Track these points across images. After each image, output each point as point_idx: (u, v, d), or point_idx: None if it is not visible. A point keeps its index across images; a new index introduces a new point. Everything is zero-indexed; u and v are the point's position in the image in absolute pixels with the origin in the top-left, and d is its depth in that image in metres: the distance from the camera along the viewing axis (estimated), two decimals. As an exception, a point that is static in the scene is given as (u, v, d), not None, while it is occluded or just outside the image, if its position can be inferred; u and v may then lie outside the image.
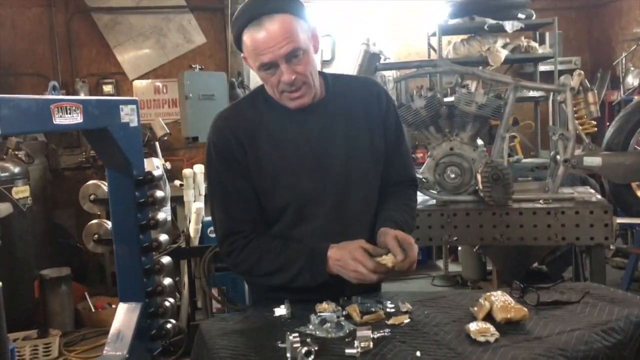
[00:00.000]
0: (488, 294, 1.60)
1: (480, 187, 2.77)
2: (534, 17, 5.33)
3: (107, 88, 6.13)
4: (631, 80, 5.78)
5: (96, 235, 3.09)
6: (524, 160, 5.65)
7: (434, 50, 5.57)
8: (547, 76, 5.90)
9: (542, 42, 5.81)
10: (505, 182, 2.73)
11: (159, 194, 3.00)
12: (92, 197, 3.10)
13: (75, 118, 2.48)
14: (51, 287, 4.60)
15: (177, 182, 5.02)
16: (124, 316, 2.97)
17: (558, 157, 2.94)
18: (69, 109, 2.45)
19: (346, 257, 1.60)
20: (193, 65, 5.47)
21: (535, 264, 4.77)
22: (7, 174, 4.33)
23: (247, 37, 1.60)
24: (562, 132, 2.81)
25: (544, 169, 5.52)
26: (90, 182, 3.17)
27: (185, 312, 4.19)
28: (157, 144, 4.54)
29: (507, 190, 2.74)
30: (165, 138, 5.41)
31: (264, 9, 1.58)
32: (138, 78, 6.27)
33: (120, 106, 2.88)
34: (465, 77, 4.32)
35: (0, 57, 6.01)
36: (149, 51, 6.28)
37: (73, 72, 6.16)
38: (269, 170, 1.71)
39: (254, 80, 6.46)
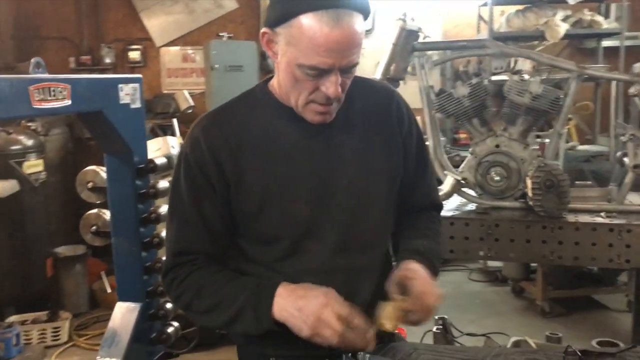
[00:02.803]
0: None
1: (530, 194, 2.34)
2: (600, -13, 4.76)
3: (134, 54, 5.83)
4: None
5: (94, 227, 2.81)
6: (580, 147, 5.12)
7: (485, 22, 5.05)
8: (611, 52, 5.31)
9: (606, 15, 5.21)
10: (560, 190, 2.30)
11: (162, 184, 2.70)
12: (90, 184, 2.81)
13: (61, 100, 2.17)
14: (65, 266, 4.40)
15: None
16: (121, 317, 2.71)
17: (625, 159, 2.48)
18: (54, 91, 2.13)
19: (309, 312, 1.22)
20: (221, 34, 5.10)
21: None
22: (18, 147, 4.08)
23: (310, 23, 1.20)
24: (634, 132, 2.35)
25: (601, 158, 5.00)
26: (89, 168, 2.87)
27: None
28: (174, 120, 4.22)
29: (562, 199, 2.31)
30: (190, 111, 5.09)
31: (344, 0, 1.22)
32: (166, 45, 5.94)
33: (120, 85, 2.56)
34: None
35: (25, 20, 5.76)
36: (178, 16, 5.92)
37: (99, 36, 5.86)
38: (256, 193, 1.36)
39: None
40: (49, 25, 5.82)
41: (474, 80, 2.50)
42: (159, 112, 5.57)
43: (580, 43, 5.87)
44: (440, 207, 1.64)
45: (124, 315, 2.67)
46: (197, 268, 1.39)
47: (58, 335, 3.92)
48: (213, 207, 1.37)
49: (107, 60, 5.77)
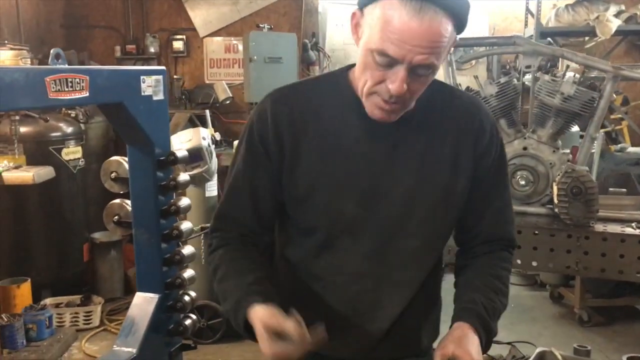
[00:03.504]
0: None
1: (556, 201, 2.22)
2: (658, -19, 4.49)
3: (177, 44, 5.88)
4: None
5: (117, 217, 2.85)
6: (630, 149, 4.86)
7: (533, 16, 4.85)
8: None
9: (666, 11, 4.92)
10: (588, 197, 2.17)
11: (182, 178, 2.70)
12: (113, 174, 2.85)
13: (79, 92, 2.19)
14: (100, 251, 4.50)
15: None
16: (139, 307, 2.74)
17: (664, 167, 2.32)
18: (71, 82, 2.15)
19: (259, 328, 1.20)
20: (260, 25, 5.08)
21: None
22: (58, 133, 4.19)
23: (392, 8, 1.15)
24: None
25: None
26: (113, 158, 2.91)
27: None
28: (207, 112, 4.23)
29: (590, 208, 2.19)
30: (228, 102, 5.11)
31: None
32: (209, 35, 5.97)
33: (142, 77, 2.56)
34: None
35: (74, 9, 5.90)
36: (221, 7, 5.93)
37: (144, 26, 5.95)
38: (307, 179, 1.32)
39: (330, 42, 5.99)
40: (96, 14, 5.94)
41: (503, 79, 2.39)
42: (199, 102, 5.62)
43: (638, 39, 5.58)
44: (513, 242, 1.48)
45: (142, 305, 2.70)
46: (225, 244, 1.39)
47: (90, 319, 4.01)
48: (265, 179, 1.35)
49: (152, 50, 5.85)
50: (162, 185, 2.62)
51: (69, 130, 4.27)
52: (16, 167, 3.50)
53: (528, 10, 5.02)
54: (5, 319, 3.47)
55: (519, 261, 2.29)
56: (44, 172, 3.55)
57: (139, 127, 2.52)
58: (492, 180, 1.39)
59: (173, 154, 2.63)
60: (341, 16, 5.90)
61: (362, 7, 1.21)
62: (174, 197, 2.68)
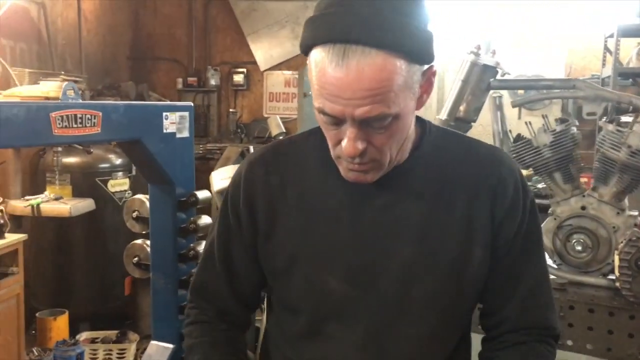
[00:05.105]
0: None
1: (617, 273, 1.88)
2: None
3: (238, 78, 5.86)
4: None
5: (136, 258, 2.73)
6: None
7: (611, 54, 4.45)
8: None
9: None
10: (656, 272, 1.82)
11: (204, 221, 2.55)
12: (135, 213, 2.74)
13: (89, 129, 2.08)
14: (143, 285, 4.40)
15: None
16: (152, 357, 2.59)
17: None
18: (81, 118, 2.05)
19: None
20: (317, 60, 4.96)
21: None
22: (106, 165, 4.18)
23: (317, 60, 0.94)
24: None
25: None
26: (136, 196, 2.80)
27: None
28: (251, 147, 4.10)
29: (659, 285, 1.83)
30: (281, 137, 4.97)
31: (356, 32, 0.90)
32: (269, 69, 5.91)
33: (165, 114, 2.45)
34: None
35: (140, 41, 6.00)
36: (283, 41, 5.87)
37: (206, 59, 5.97)
38: (286, 250, 1.12)
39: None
40: (162, 47, 6.03)
41: (559, 128, 2.09)
42: (256, 136, 5.54)
43: None
44: (553, 331, 1.17)
45: (154, 356, 2.54)
46: (202, 321, 1.25)
47: (124, 356, 3.89)
48: (240, 251, 1.19)
49: (212, 83, 5.86)
50: (182, 227, 2.48)
51: (118, 162, 4.25)
52: (56, 199, 3.47)
53: (606, 49, 4.62)
54: (36, 353, 3.42)
55: (569, 342, 1.94)
56: (82, 205, 3.49)
57: (159, 165, 2.40)
58: (520, 251, 1.10)
59: (194, 195, 2.49)
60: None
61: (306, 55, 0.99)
62: (194, 240, 2.53)
